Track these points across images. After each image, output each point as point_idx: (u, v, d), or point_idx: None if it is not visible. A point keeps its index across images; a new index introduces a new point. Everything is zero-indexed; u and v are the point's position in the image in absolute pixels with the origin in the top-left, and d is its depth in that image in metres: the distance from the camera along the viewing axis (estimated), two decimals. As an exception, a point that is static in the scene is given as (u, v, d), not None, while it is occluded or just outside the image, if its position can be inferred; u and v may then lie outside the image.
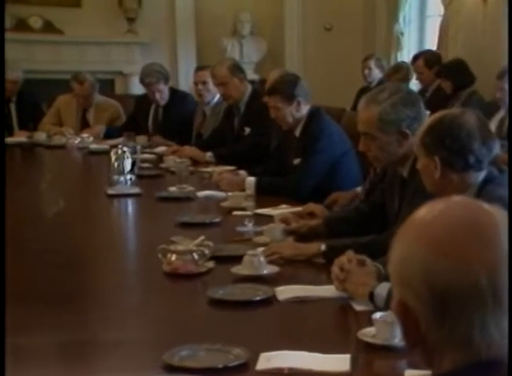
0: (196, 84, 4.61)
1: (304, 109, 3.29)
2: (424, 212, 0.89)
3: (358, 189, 3.04)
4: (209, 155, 4.09)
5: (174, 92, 4.90)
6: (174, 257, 2.09)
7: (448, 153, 1.84)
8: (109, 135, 4.94)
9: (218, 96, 4.52)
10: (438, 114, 1.91)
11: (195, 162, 3.99)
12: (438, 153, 1.85)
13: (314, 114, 3.31)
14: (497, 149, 1.87)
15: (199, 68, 4.79)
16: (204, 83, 4.52)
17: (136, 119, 4.98)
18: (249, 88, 4.21)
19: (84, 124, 5.24)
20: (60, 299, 1.95)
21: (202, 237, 2.15)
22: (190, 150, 4.16)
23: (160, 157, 4.21)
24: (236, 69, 4.23)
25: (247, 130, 4.12)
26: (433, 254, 0.85)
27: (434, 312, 0.85)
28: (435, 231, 0.86)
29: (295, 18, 7.45)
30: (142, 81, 4.82)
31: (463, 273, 0.84)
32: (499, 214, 0.89)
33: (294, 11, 7.43)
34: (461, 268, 0.84)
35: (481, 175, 1.87)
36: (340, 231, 2.42)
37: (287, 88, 3.28)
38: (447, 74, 5.08)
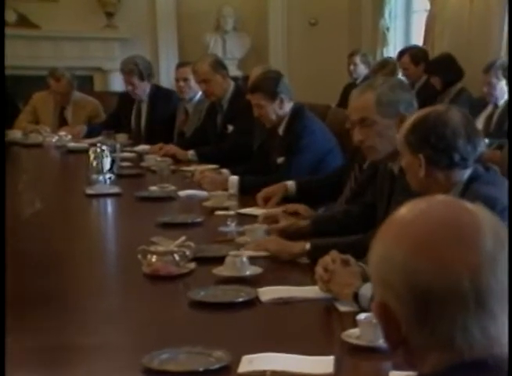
0: (177, 80, 4.61)
1: (287, 106, 3.30)
2: (405, 211, 0.90)
3: (289, 182, 3.01)
4: (191, 154, 4.09)
5: (158, 90, 4.89)
6: (154, 258, 2.09)
7: (433, 151, 1.85)
8: (90, 134, 4.91)
9: (200, 93, 4.52)
10: (422, 111, 1.93)
11: (176, 161, 3.98)
12: (422, 151, 1.86)
13: (297, 112, 3.32)
14: (482, 146, 1.89)
15: (180, 64, 4.80)
16: (186, 80, 4.52)
17: (119, 116, 4.96)
18: (232, 84, 4.22)
19: (61, 122, 5.22)
20: (37, 303, 1.94)
21: (183, 238, 2.15)
22: (172, 148, 4.16)
23: (141, 156, 4.21)
24: (219, 65, 4.23)
25: (230, 128, 4.12)
26: (413, 254, 0.85)
27: (415, 314, 0.86)
28: (416, 231, 0.87)
29: (279, 13, 7.47)
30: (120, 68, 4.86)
31: (445, 275, 0.84)
32: (482, 213, 0.89)
33: (278, 6, 7.45)
34: (442, 269, 0.84)
35: (467, 173, 1.89)
36: (329, 231, 2.41)
37: (270, 85, 3.29)
38: (435, 69, 5.10)
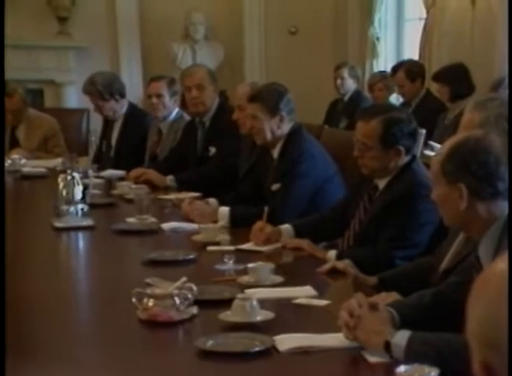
0: (149, 97, 4.57)
1: (286, 127, 3.31)
2: (504, 265, 0.91)
3: (284, 227, 2.96)
4: (170, 179, 4.07)
5: (134, 109, 4.89)
6: (151, 302, 2.08)
7: (475, 179, 1.88)
8: None
9: (175, 112, 4.52)
10: (457, 137, 1.96)
11: (152, 187, 3.97)
12: (462, 180, 1.89)
13: (294, 133, 3.33)
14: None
15: (153, 79, 4.73)
16: (159, 96, 4.48)
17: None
18: (217, 100, 4.23)
19: (13, 144, 5.17)
20: (7, 355, 1.87)
21: (184, 279, 2.15)
22: (152, 174, 4.13)
23: (110, 182, 4.19)
24: (213, 77, 4.27)
25: (213, 150, 4.13)
26: None
27: None
28: None
29: (256, 20, 7.53)
30: None
31: None
32: None
33: (255, 12, 7.51)
34: None
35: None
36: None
37: (273, 97, 3.30)
38: (446, 78, 5.09)
